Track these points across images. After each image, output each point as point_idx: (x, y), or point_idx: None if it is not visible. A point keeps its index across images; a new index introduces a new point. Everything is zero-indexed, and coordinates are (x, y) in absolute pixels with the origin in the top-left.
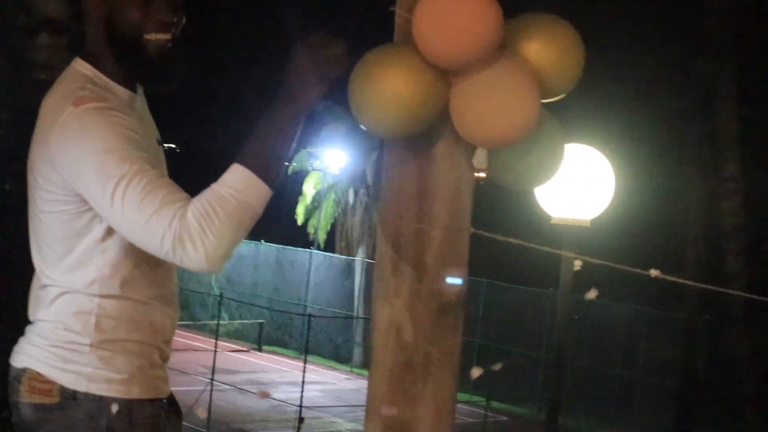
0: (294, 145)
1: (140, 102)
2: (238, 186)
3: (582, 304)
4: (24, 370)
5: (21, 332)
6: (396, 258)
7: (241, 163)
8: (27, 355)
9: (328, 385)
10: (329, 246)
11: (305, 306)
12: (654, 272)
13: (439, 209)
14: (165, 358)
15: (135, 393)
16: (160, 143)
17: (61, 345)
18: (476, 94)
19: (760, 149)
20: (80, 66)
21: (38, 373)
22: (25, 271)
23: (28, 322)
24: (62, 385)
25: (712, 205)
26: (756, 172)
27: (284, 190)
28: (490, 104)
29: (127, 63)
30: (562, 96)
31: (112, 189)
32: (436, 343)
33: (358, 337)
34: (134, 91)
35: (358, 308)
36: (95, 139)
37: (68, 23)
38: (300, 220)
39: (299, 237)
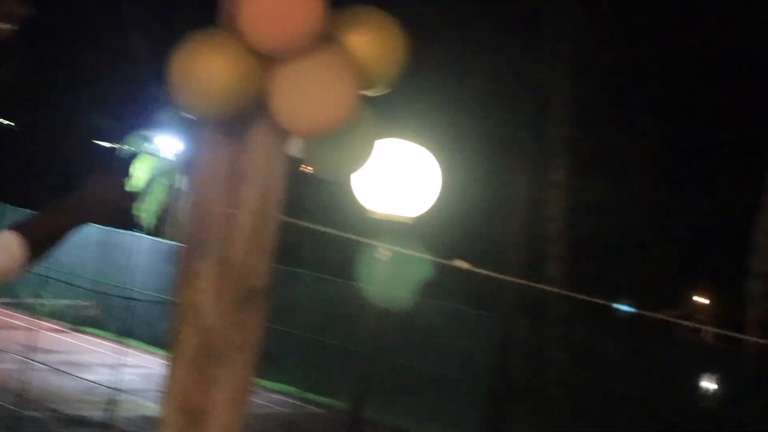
0: (58, 244)
1: None
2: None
3: (401, 300)
4: None
5: None
6: (203, 241)
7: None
8: None
9: (144, 369)
10: (159, 231)
11: (131, 290)
12: (459, 263)
13: (250, 194)
14: None
15: None
16: None
17: None
18: (295, 83)
19: (588, 156)
20: None
21: None
22: None
23: None
24: None
25: (537, 211)
26: (582, 178)
27: (114, 173)
28: (308, 94)
29: None
30: (387, 90)
31: None
32: (237, 328)
33: None
34: None
35: None
36: None
37: None
38: None
39: (127, 220)
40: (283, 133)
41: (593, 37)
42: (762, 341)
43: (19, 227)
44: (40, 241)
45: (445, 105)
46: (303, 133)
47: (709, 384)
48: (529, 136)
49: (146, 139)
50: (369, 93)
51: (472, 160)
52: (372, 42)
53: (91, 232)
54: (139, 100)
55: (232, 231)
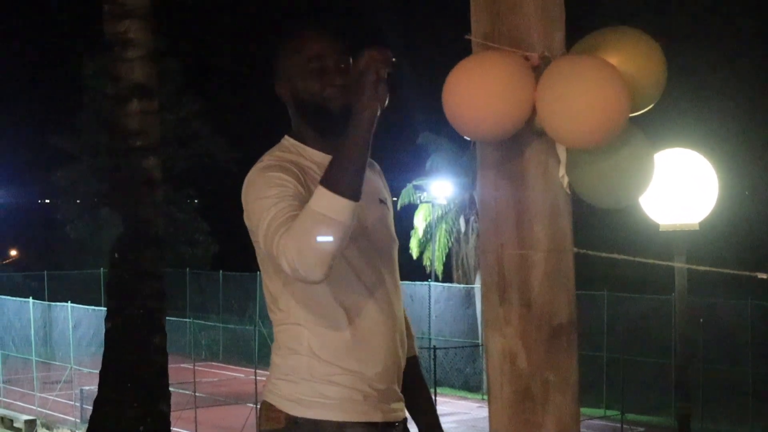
0: (366, 151)
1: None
2: (313, 202)
3: (706, 306)
4: (263, 403)
5: None
6: (502, 286)
7: (320, 182)
8: (265, 389)
9: (461, 415)
10: (446, 276)
11: (429, 339)
12: (762, 275)
13: (539, 232)
14: (376, 389)
15: (345, 416)
16: (383, 201)
17: (283, 377)
18: (564, 88)
19: None
20: (284, 139)
21: (270, 405)
22: None
23: None
24: (287, 413)
25: None
26: None
27: (395, 226)
28: (577, 97)
29: (318, 125)
30: (648, 109)
31: (257, 223)
32: (552, 367)
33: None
34: None
35: (482, 335)
36: (253, 190)
37: (157, 87)
38: (415, 254)
39: (416, 270)
40: (560, 166)
41: None
42: None
43: (324, 181)
44: (340, 172)
45: (710, 105)
46: (574, 142)
47: None
48: None
49: (420, 188)
50: (632, 114)
51: (745, 154)
52: (631, 61)
53: None
54: (408, 151)
55: (528, 272)
